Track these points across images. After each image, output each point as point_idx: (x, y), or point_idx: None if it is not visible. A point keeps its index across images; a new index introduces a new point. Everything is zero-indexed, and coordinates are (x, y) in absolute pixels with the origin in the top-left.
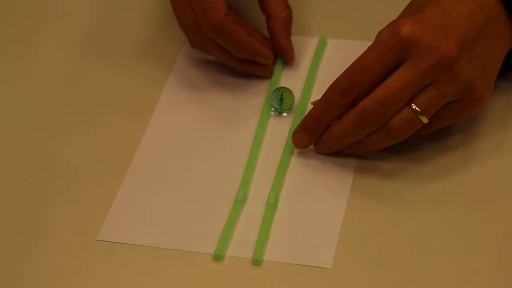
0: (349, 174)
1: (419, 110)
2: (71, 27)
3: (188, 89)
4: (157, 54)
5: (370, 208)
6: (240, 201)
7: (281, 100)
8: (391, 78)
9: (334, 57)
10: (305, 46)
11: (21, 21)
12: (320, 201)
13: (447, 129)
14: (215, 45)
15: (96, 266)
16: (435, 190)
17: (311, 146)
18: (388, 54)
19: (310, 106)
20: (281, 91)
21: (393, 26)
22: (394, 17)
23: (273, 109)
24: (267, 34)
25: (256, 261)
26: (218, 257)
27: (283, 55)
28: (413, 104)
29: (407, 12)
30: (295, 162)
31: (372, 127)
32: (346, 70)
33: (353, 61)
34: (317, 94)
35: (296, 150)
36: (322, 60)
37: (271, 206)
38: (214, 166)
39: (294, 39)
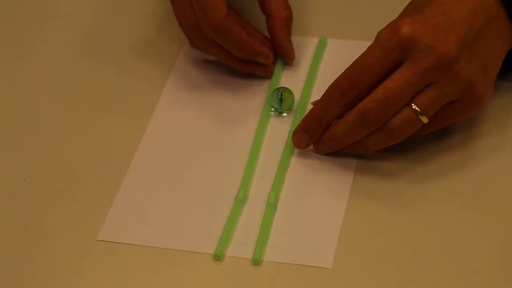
0: (349, 174)
1: (419, 110)
2: (71, 27)
3: (188, 89)
4: (157, 54)
5: (370, 208)
6: (240, 201)
7: (281, 100)
8: (391, 78)
9: (334, 57)
10: (305, 46)
11: (21, 21)
12: (320, 201)
13: (447, 129)
14: (215, 45)
15: (96, 266)
16: (435, 190)
17: (311, 146)
18: (388, 54)
19: (310, 106)
20: (281, 91)
21: (393, 26)
22: (394, 17)
23: (273, 109)
24: (267, 34)
25: (256, 261)
26: (218, 257)
27: (283, 55)
28: (413, 104)
29: (407, 12)
30: (295, 162)
31: (372, 127)
32: (346, 70)
33: (353, 61)
34: (317, 94)
35: (296, 150)
36: (322, 60)
37: (271, 206)
38: (214, 166)
39: (294, 39)
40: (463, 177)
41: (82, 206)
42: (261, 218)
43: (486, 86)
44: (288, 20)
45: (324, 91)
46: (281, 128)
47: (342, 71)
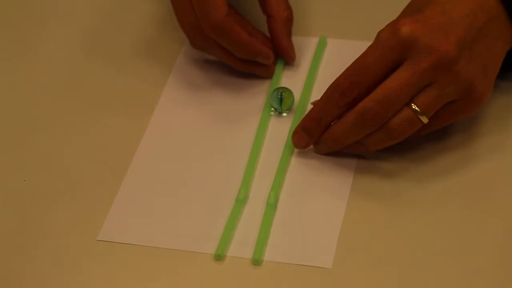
0: (349, 174)
1: (419, 110)
2: (71, 27)
3: (189, 89)
4: (157, 54)
5: (370, 208)
6: (241, 201)
7: (281, 100)
8: (391, 78)
9: (334, 57)
10: (305, 46)
11: (21, 21)
12: (320, 201)
13: (447, 129)
14: (216, 45)
15: (96, 266)
16: (435, 190)
17: (311, 146)
18: (388, 54)
19: (310, 106)
20: (280, 91)
21: (393, 26)
22: (394, 17)
23: (273, 109)
24: (267, 34)
25: (256, 261)
26: (219, 257)
27: (284, 55)
28: (413, 104)
29: (407, 12)
30: (295, 162)
31: (372, 127)
32: (346, 70)
33: (353, 61)
34: (317, 94)
35: (296, 150)
36: (322, 60)
37: (271, 206)
38: (214, 166)
39: (294, 39)
40: (463, 177)
41: (82, 206)
42: (261, 218)
43: (486, 86)
44: (289, 20)
45: (324, 91)
46: (281, 128)
47: (342, 71)
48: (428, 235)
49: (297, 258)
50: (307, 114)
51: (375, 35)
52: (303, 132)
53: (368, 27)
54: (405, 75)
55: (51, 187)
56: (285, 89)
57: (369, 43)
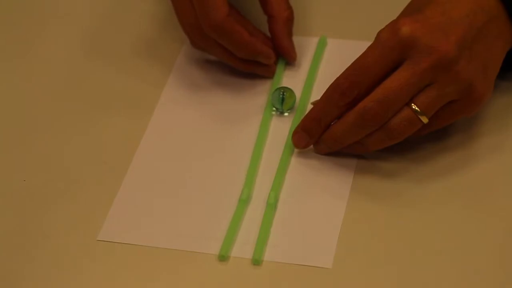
0: (349, 174)
1: (419, 110)
2: (71, 27)
3: (189, 89)
4: (158, 53)
5: (370, 208)
6: (244, 201)
7: (283, 100)
8: (391, 78)
9: (334, 57)
10: (305, 46)
11: (21, 21)
12: (320, 201)
13: (447, 129)
14: (216, 45)
15: (96, 266)
16: (435, 190)
17: (311, 146)
18: (388, 54)
19: (310, 106)
20: (282, 90)
21: (393, 26)
22: (394, 17)
23: (274, 108)
24: (268, 34)
25: (256, 261)
26: (223, 257)
27: (285, 55)
28: (413, 104)
29: (407, 12)
30: (295, 162)
31: (372, 127)
32: (346, 70)
33: (353, 61)
34: (317, 94)
35: (296, 150)
36: (322, 60)
37: (271, 206)
38: (215, 166)
39: (294, 39)
40: (463, 177)
41: (82, 206)
42: (261, 218)
43: (486, 86)
44: (289, 20)
45: (324, 91)
46: (282, 128)
47: (342, 71)
48: (428, 235)
49: (297, 258)
50: (307, 114)
51: (375, 35)
52: (303, 132)
53: (368, 27)
54: (405, 75)
55: (51, 187)
56: (287, 89)
57: (369, 43)
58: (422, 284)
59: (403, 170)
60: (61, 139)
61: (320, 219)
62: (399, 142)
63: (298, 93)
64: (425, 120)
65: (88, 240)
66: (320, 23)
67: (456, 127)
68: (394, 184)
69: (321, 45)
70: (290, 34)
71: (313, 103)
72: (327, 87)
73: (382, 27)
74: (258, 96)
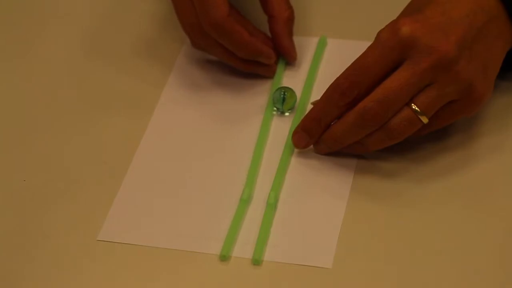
0: (349, 174)
1: (419, 110)
2: (71, 27)
3: (189, 89)
4: (158, 53)
5: (370, 208)
6: (245, 201)
7: (284, 100)
8: (391, 78)
9: (334, 57)
10: (305, 46)
11: (21, 21)
12: (320, 201)
13: (447, 129)
14: (217, 44)
15: (96, 266)
16: (435, 190)
17: (311, 146)
18: (388, 54)
19: (310, 106)
20: (283, 90)
21: (393, 26)
22: (394, 17)
23: (275, 108)
24: (269, 34)
25: (256, 261)
26: (224, 257)
27: (285, 55)
28: (413, 104)
29: (407, 12)
30: (295, 162)
31: (372, 127)
32: (346, 70)
33: (353, 61)
34: (317, 94)
35: (296, 150)
36: (322, 60)
37: (271, 206)
38: (215, 166)
39: (294, 39)
40: (463, 177)
41: (82, 206)
42: (261, 218)
43: (486, 86)
44: (290, 20)
45: (324, 91)
46: (283, 128)
47: (342, 71)
48: (428, 235)
49: (297, 258)
50: (307, 114)
51: (375, 35)
52: (303, 132)
53: (368, 27)
54: (405, 75)
55: (51, 187)
56: (288, 88)
57: (369, 43)
58: (422, 284)
59: (403, 170)
60: (61, 139)
61: (320, 219)
62: (399, 142)
63: (298, 93)
64: (425, 120)
65: (88, 240)
66: (320, 23)
67: (456, 127)
68: (394, 184)
69: (321, 45)
70: (290, 34)
71: (313, 103)
72: (327, 87)
73: (382, 27)
74: (258, 96)
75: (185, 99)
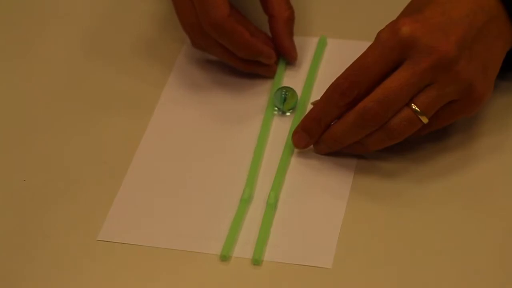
0: (349, 174)
1: (419, 110)
2: (71, 27)
3: (189, 89)
4: (158, 53)
5: (370, 208)
6: (245, 201)
7: (285, 100)
8: (391, 78)
9: (334, 57)
10: (305, 46)
11: (21, 21)
12: (320, 201)
13: (447, 129)
14: (217, 44)
15: (96, 266)
16: (435, 190)
17: (311, 146)
18: (388, 54)
19: (310, 106)
20: (284, 90)
21: (393, 26)
22: (394, 17)
23: (276, 108)
24: (269, 34)
25: (256, 261)
26: (224, 257)
27: (286, 55)
28: (413, 104)
29: (407, 12)
30: (295, 162)
31: (372, 127)
32: (346, 70)
33: (353, 61)
34: (317, 94)
35: (296, 150)
36: (322, 60)
37: (271, 206)
38: (215, 166)
39: (294, 39)
40: (463, 177)
41: (82, 206)
42: (261, 218)
43: (486, 86)
44: (290, 20)
45: (324, 91)
46: (283, 128)
47: (342, 71)
48: (428, 235)
49: (297, 258)
50: (307, 114)
51: (375, 35)
52: (303, 132)
53: (368, 27)
54: (405, 75)
55: (51, 187)
56: (289, 88)
57: (369, 43)
58: (422, 284)
59: (403, 170)
60: (61, 139)
61: (320, 219)
62: (399, 142)
63: (298, 93)
64: (425, 120)
65: (88, 240)
66: (320, 23)
67: (456, 127)
68: (394, 184)
69: (321, 45)
70: (291, 34)
71: (313, 103)
72: (327, 87)
73: (382, 27)
74: (259, 96)
75: (185, 99)
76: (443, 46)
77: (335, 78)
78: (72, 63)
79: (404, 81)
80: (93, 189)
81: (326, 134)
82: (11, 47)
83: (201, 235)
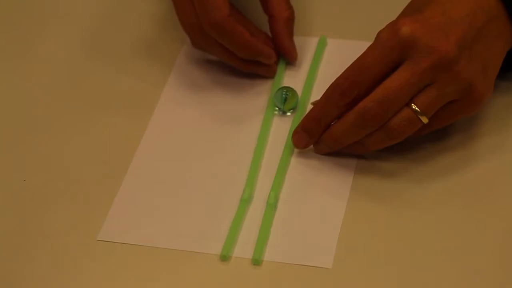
0: (349, 174)
1: (419, 110)
2: (71, 27)
3: (189, 89)
4: (158, 53)
5: (370, 208)
6: (245, 201)
7: (285, 100)
8: (391, 78)
9: (334, 57)
10: (305, 46)
11: (21, 21)
12: (320, 201)
13: (447, 129)
14: (217, 44)
15: (96, 266)
16: (435, 190)
17: (311, 146)
18: (388, 54)
19: (310, 106)
20: (285, 90)
21: (393, 26)
22: (394, 17)
23: (276, 108)
24: (269, 34)
25: (256, 261)
26: (224, 257)
27: (286, 55)
28: (413, 104)
29: (407, 12)
30: (295, 162)
31: (372, 127)
32: (346, 70)
33: (353, 61)
34: (317, 94)
35: (296, 150)
36: (322, 60)
37: (271, 206)
38: (215, 166)
39: (294, 39)
40: (463, 177)
41: (82, 206)
42: (261, 218)
43: (486, 86)
44: (290, 20)
45: (324, 91)
46: (283, 128)
47: (342, 71)
48: (428, 235)
49: (297, 258)
50: (307, 114)
51: (375, 35)
52: (303, 132)
53: (368, 27)
54: (405, 75)
55: (51, 187)
56: (290, 88)
57: (369, 43)
58: (422, 284)
59: (403, 170)
60: (61, 139)
61: (320, 219)
62: (399, 142)
63: (298, 93)
64: (425, 120)
65: (88, 240)
66: (320, 23)
67: (456, 127)
68: (394, 184)
69: (321, 45)
70: (291, 34)
71: (313, 103)
72: (327, 87)
73: (382, 27)
74: (259, 96)
75: (185, 99)
76: (443, 46)
77: (335, 78)
78: (72, 63)
79: (404, 81)
80: (93, 189)
81: (326, 134)
82: (11, 47)
83: (201, 235)
